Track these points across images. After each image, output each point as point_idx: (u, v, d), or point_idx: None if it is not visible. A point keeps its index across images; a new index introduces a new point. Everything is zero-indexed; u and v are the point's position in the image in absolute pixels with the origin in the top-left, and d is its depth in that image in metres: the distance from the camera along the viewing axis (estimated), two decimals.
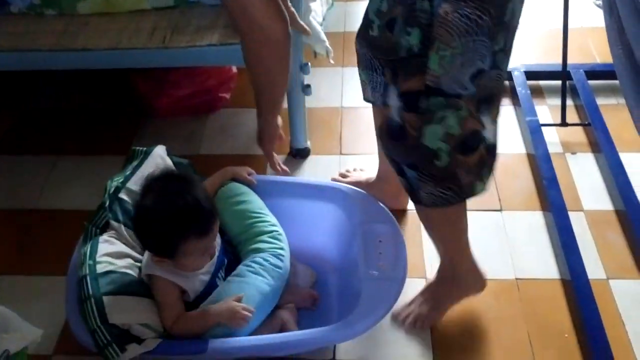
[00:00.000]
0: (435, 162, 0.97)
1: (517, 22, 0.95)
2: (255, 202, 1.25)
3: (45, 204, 1.56)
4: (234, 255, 1.21)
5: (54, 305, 1.29)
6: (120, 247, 1.11)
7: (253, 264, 1.13)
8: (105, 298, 1.00)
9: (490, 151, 1.01)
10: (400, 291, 1.09)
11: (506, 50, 0.95)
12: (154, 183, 1.04)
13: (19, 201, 1.57)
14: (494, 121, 1.01)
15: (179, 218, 0.99)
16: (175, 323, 1.05)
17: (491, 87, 0.97)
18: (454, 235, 1.16)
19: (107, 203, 1.16)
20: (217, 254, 1.14)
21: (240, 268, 1.13)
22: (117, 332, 0.98)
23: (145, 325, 1.01)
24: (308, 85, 1.50)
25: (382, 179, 1.40)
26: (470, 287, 1.23)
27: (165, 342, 1.01)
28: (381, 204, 1.23)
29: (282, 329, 1.17)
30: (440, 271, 1.24)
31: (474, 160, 0.99)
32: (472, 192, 1.04)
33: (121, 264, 1.08)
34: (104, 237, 1.12)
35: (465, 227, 1.15)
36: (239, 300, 1.04)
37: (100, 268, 1.05)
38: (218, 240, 1.17)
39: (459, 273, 1.20)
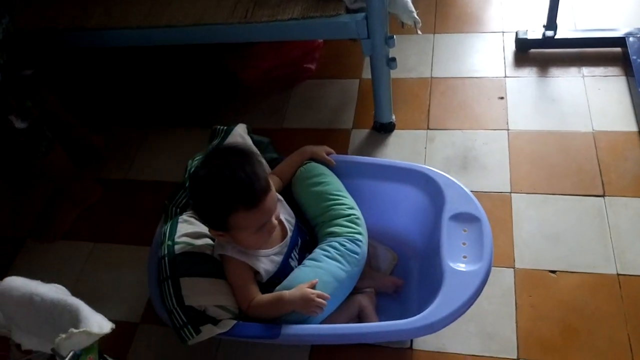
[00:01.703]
0: None
1: None
2: (333, 184, 1.21)
3: (134, 174, 1.63)
4: (310, 236, 1.20)
5: (144, 275, 1.35)
6: (199, 227, 1.12)
7: (329, 249, 1.10)
8: (182, 280, 1.02)
9: None
10: (483, 286, 1.02)
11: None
12: (211, 156, 1.02)
13: (111, 171, 1.65)
14: None
15: (226, 189, 0.97)
16: (251, 306, 1.05)
17: None
18: None
19: (187, 183, 1.17)
20: (290, 234, 1.12)
21: (316, 252, 1.11)
22: (193, 314, 1.00)
23: (221, 307, 1.03)
24: (393, 59, 1.42)
25: None
26: None
27: (240, 324, 1.02)
28: (468, 191, 1.16)
29: (360, 314, 1.15)
30: None
31: None
32: None
33: (199, 244, 1.09)
34: (184, 216, 1.14)
35: None
36: (313, 286, 1.02)
37: (178, 249, 1.07)
38: (292, 220, 1.15)
39: None
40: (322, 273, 1.06)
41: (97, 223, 1.52)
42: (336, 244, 1.11)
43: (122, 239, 1.47)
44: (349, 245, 1.11)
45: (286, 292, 1.03)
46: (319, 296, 1.01)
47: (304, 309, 1.01)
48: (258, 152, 1.21)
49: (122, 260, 1.42)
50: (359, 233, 1.14)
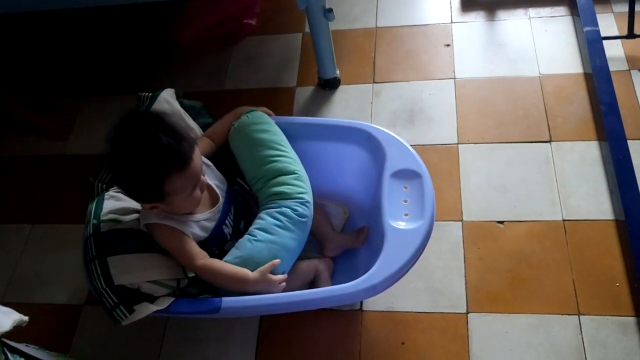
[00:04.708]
0: None
1: None
2: (278, 134, 1.15)
3: (71, 149, 1.55)
4: (246, 202, 1.15)
5: None
6: (127, 202, 1.06)
7: (281, 217, 1.05)
8: (109, 259, 0.97)
9: None
10: (425, 244, 1.00)
11: None
12: (121, 129, 0.95)
13: (47, 146, 1.56)
14: None
15: (155, 157, 0.92)
16: (203, 267, 1.00)
17: None
18: None
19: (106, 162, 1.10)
20: (222, 199, 1.08)
21: (267, 220, 1.05)
22: (125, 293, 0.95)
23: (155, 282, 0.98)
24: (330, 10, 1.34)
25: None
26: None
27: (178, 300, 0.98)
28: (409, 146, 1.12)
29: (315, 279, 1.13)
30: None
31: None
32: None
33: (127, 220, 1.04)
34: (110, 192, 1.08)
35: None
36: (274, 267, 1.00)
37: (104, 227, 1.01)
38: (223, 186, 1.11)
39: None
40: (277, 250, 1.02)
41: (34, 203, 1.45)
42: (287, 211, 1.05)
43: (61, 218, 1.40)
44: (300, 209, 1.06)
45: (250, 275, 0.99)
46: (280, 281, 1.00)
47: (264, 292, 0.99)
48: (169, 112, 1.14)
49: (64, 241, 1.36)
50: (306, 192, 1.09)
